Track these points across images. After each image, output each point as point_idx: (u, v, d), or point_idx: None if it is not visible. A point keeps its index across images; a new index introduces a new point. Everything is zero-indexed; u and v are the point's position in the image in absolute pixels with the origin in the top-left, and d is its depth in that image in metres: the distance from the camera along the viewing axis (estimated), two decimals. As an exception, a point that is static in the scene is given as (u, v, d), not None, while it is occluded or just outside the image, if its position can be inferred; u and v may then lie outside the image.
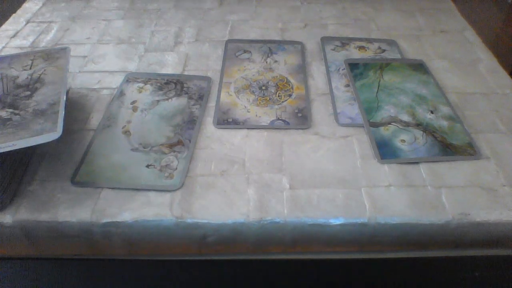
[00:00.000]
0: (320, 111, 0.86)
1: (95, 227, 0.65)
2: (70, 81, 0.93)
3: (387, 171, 0.73)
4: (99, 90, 0.91)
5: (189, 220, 0.66)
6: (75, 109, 0.86)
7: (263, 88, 0.92)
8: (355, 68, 0.95)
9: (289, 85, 0.93)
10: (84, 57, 1.02)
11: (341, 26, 1.14)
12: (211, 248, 0.69)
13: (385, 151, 0.76)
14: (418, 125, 0.81)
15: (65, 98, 0.70)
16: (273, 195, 0.69)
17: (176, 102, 0.87)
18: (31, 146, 0.63)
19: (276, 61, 1.00)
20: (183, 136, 0.79)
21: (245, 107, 0.87)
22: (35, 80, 0.76)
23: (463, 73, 0.96)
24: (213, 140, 0.79)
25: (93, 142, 0.78)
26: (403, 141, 0.78)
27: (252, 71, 0.97)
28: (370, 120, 0.82)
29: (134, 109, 0.85)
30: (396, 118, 0.83)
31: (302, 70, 0.97)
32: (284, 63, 0.99)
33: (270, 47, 1.05)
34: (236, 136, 0.80)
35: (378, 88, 0.90)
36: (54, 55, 0.83)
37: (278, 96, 0.90)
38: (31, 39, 1.08)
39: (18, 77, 0.78)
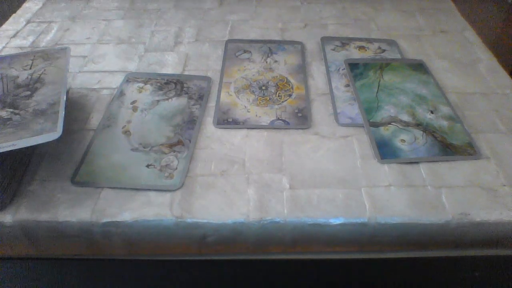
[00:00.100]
0: (320, 111, 0.86)
1: (95, 227, 0.65)
2: (70, 81, 0.93)
3: (387, 171, 0.73)
4: (99, 90, 0.91)
5: (189, 220, 0.66)
6: (75, 109, 0.86)
7: (263, 88, 0.92)
8: (355, 68, 0.95)
9: (289, 85, 0.93)
10: (84, 57, 1.02)
11: (341, 26, 1.14)
12: (211, 248, 0.69)
13: (385, 151, 0.76)
14: (418, 125, 0.81)
15: (65, 98, 0.70)
16: (273, 195, 0.69)
17: (176, 102, 0.87)
18: (31, 146, 0.63)
19: (276, 61, 1.00)
20: (183, 136, 0.79)
21: (245, 107, 0.87)
22: (35, 80, 0.76)
23: (463, 73, 0.96)
24: (213, 140, 0.79)
25: (93, 142, 0.78)
26: (403, 141, 0.78)
27: (252, 71, 0.97)
28: (370, 120, 0.82)
29: (134, 109, 0.85)
30: (396, 118, 0.83)
31: (302, 70, 0.97)
32: (284, 63, 0.99)
33: (270, 47, 1.05)
34: (236, 136, 0.80)
35: (378, 88, 0.90)
36: (54, 55, 0.83)
37: (278, 96, 0.90)
38: (31, 39, 1.08)
39: (18, 77, 0.78)
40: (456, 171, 0.73)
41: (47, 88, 0.74)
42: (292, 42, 1.07)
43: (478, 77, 0.95)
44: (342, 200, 0.68)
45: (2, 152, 0.60)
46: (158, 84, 0.92)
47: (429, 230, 0.66)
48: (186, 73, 0.97)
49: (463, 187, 0.70)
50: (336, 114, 0.85)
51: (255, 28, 1.13)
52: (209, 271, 0.74)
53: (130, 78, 0.94)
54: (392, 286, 0.77)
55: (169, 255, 0.70)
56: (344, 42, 1.06)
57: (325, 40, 1.07)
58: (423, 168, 0.73)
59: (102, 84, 0.93)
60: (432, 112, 0.84)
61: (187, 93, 0.90)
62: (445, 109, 0.85)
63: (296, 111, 0.86)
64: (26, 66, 0.81)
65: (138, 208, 0.67)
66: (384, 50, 1.03)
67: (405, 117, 0.83)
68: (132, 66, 0.98)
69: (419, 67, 0.96)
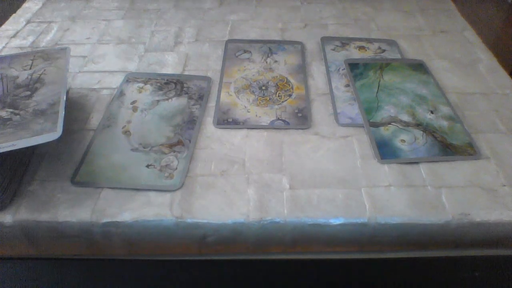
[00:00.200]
0: (320, 111, 0.86)
1: (95, 227, 0.65)
2: (70, 81, 0.93)
3: (387, 171, 0.73)
4: (99, 90, 0.91)
5: (189, 220, 0.66)
6: (75, 109, 0.86)
7: (263, 88, 0.92)
8: (355, 68, 0.95)
9: (289, 85, 0.93)
10: (84, 57, 1.02)
11: (341, 26, 1.14)
12: (211, 248, 0.69)
13: (385, 151, 0.76)
14: (418, 125, 0.81)
15: (65, 98, 0.70)
16: (273, 195, 0.69)
17: (176, 102, 0.87)
18: (31, 146, 0.63)
19: (276, 61, 1.00)
20: (183, 136, 0.79)
21: (245, 107, 0.87)
22: (35, 80, 0.76)
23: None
24: (213, 140, 0.79)
25: (93, 142, 0.78)
26: (403, 141, 0.78)
27: (252, 71, 0.97)
28: (370, 120, 0.82)
29: (134, 109, 0.85)
30: (396, 118, 0.83)
31: (302, 70, 0.97)
32: (284, 63, 0.99)
33: (270, 47, 1.05)
34: (236, 136, 0.80)
35: (378, 88, 0.90)
36: (54, 55, 0.83)
37: (278, 96, 0.90)
38: (31, 39, 1.08)
39: (18, 77, 0.78)
40: (456, 171, 0.73)
41: (47, 88, 0.74)
42: (292, 42, 1.07)
43: (478, 77, 0.95)
44: (342, 200, 0.68)
45: (2, 152, 0.60)
46: (158, 84, 0.92)
47: (429, 230, 0.66)
48: (186, 73, 0.97)
49: (463, 187, 0.70)
50: (336, 114, 0.85)
51: (255, 28, 1.13)
52: (209, 271, 0.74)
53: (130, 78, 0.94)
54: (392, 286, 0.77)
55: (169, 255, 0.70)
56: (344, 42, 1.06)
57: (325, 40, 1.07)
58: (423, 168, 0.73)
59: (102, 84, 0.93)
60: (432, 112, 0.84)
61: (187, 93, 0.90)
62: (445, 109, 0.85)
63: (296, 111, 0.86)
64: (26, 66, 0.81)
65: (138, 208, 0.67)
66: (384, 50, 1.03)
67: (405, 117, 0.83)
68: (132, 66, 0.98)
69: (419, 67, 0.96)
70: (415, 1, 1.26)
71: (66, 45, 1.05)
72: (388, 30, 1.12)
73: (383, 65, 0.96)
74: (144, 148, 0.77)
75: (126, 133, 0.80)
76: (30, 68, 0.80)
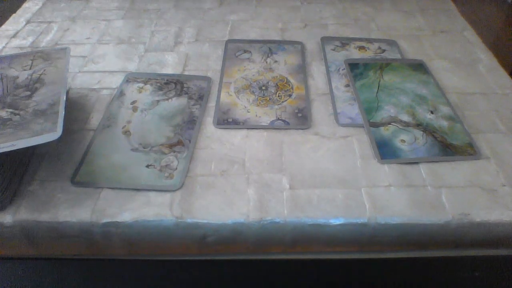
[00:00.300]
0: (320, 111, 0.86)
1: (95, 227, 0.65)
2: (70, 81, 0.93)
3: (387, 171, 0.73)
4: (99, 90, 0.91)
5: (189, 220, 0.66)
6: (75, 109, 0.86)
7: (263, 88, 0.92)
8: (355, 68, 0.95)
9: (289, 85, 0.93)
10: (84, 57, 1.02)
11: (341, 26, 1.14)
12: (211, 248, 0.69)
13: (385, 151, 0.76)
14: (418, 125, 0.81)
15: (65, 98, 0.70)
16: (273, 195, 0.69)
17: (176, 102, 0.87)
18: (31, 146, 0.63)
19: (276, 61, 1.00)
20: (183, 136, 0.79)
21: (245, 107, 0.87)
22: (35, 80, 0.76)
23: (463, 73, 0.96)
24: (213, 140, 0.79)
25: (93, 142, 0.78)
26: (403, 141, 0.78)
27: (252, 71, 0.97)
28: (370, 120, 0.82)
29: (134, 109, 0.85)
30: (396, 118, 0.83)
31: (302, 70, 0.97)
32: (284, 63, 0.99)
33: (270, 47, 1.05)
34: (236, 136, 0.80)
35: (378, 88, 0.90)
36: (54, 55, 0.83)
37: (278, 96, 0.90)
38: (31, 39, 1.08)
39: (18, 77, 0.78)
40: (456, 171, 0.73)
41: (47, 88, 0.74)
42: (292, 42, 1.07)
43: (478, 77, 0.95)
44: (342, 200, 0.68)
45: (2, 153, 0.60)
46: (158, 84, 0.92)
47: (429, 230, 0.66)
48: (186, 73, 0.97)
49: (463, 187, 0.70)
50: (336, 114, 0.85)
51: (255, 28, 1.13)
52: (209, 271, 0.74)
53: (130, 78, 0.94)
54: (392, 286, 0.77)
55: (169, 255, 0.70)
56: (344, 42, 1.06)
57: (325, 40, 1.07)
58: (423, 168, 0.73)
59: (102, 84, 0.93)
60: (432, 112, 0.84)
61: (187, 93, 0.90)
62: (445, 109, 0.85)
63: (296, 111, 0.86)
64: (26, 66, 0.81)
65: (138, 208, 0.67)
66: (384, 50, 1.03)
67: (405, 117, 0.83)
68: (132, 66, 0.98)
69: (419, 67, 0.96)
70: (415, 1, 1.26)
71: (66, 45, 1.05)
72: (388, 30, 1.12)
73: (383, 65, 0.96)
74: (144, 148, 0.77)
75: (126, 133, 0.80)
76: (30, 68, 0.80)
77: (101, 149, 0.77)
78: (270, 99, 0.89)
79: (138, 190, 0.70)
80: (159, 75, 0.95)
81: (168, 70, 0.97)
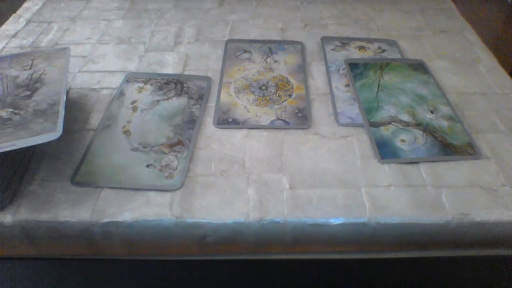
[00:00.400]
0: (320, 111, 0.86)
1: (95, 227, 0.65)
2: (70, 81, 0.93)
3: (387, 171, 0.73)
4: (99, 90, 0.91)
5: (189, 220, 0.66)
6: (75, 109, 0.86)
7: (263, 88, 0.92)
8: (355, 68, 0.95)
9: (289, 85, 0.93)
10: (84, 57, 1.02)
11: (341, 26, 1.14)
12: (211, 248, 0.69)
13: (385, 151, 0.76)
14: (418, 125, 0.81)
15: (65, 98, 0.71)
16: (273, 195, 0.69)
17: (176, 102, 0.87)
18: (31, 146, 0.63)
19: (276, 61, 1.00)
20: (183, 136, 0.79)
21: (245, 107, 0.87)
22: (35, 80, 0.76)
23: (463, 73, 0.96)
24: (213, 140, 0.79)
25: (93, 142, 0.78)
26: (403, 141, 0.78)
27: (252, 71, 0.97)
28: (370, 120, 0.82)
29: (134, 109, 0.86)
30: (396, 118, 0.83)
31: (302, 70, 0.97)
32: (284, 63, 0.99)
33: (270, 47, 1.05)
34: (236, 136, 0.80)
35: (378, 88, 0.90)
36: (54, 55, 0.83)
37: (278, 96, 0.90)
38: (31, 39, 1.08)
39: (18, 77, 0.78)
40: (456, 171, 0.73)
41: (47, 88, 0.74)
42: (292, 42, 1.07)
43: (478, 77, 0.95)
44: (342, 200, 0.68)
45: (2, 152, 0.60)
46: (158, 84, 0.92)
47: (429, 230, 0.66)
48: (186, 73, 0.97)
49: (463, 187, 0.70)
50: (336, 114, 0.85)
51: (255, 28, 1.13)
52: (209, 271, 0.74)
53: (130, 78, 0.94)
54: (392, 286, 0.77)
55: (169, 255, 0.70)
56: (344, 42, 1.06)
57: (325, 40, 1.07)
58: (423, 168, 0.73)
59: (102, 84, 0.93)
60: (432, 112, 0.84)
61: (187, 93, 0.90)
62: (445, 109, 0.85)
63: (296, 111, 0.86)
64: (26, 66, 0.81)
65: (138, 208, 0.67)
66: (384, 50, 1.03)
67: (405, 117, 0.83)
68: (132, 66, 0.98)
69: (419, 67, 0.96)
70: (415, 1, 1.26)
71: (66, 45, 1.05)
72: (388, 30, 1.12)
73: (383, 65, 0.96)
74: (144, 148, 0.77)
75: (126, 133, 0.80)
76: (30, 68, 0.80)
77: (101, 149, 0.77)
78: (270, 99, 0.89)
79: (138, 190, 0.70)
80: (159, 75, 0.95)
81: (168, 70, 0.97)
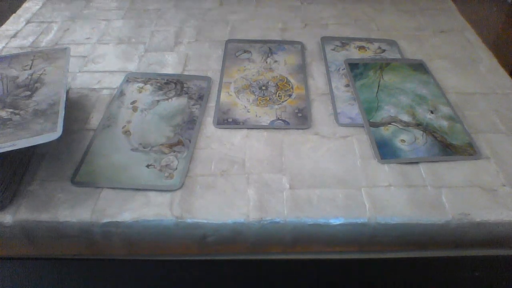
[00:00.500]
0: (320, 111, 0.86)
1: (95, 227, 0.65)
2: (70, 81, 0.93)
3: (387, 171, 0.73)
4: (99, 90, 0.91)
5: (189, 220, 0.66)
6: (75, 109, 0.86)
7: (263, 88, 0.92)
8: (355, 68, 0.95)
9: (289, 85, 0.93)
10: (84, 57, 1.02)
11: (341, 26, 1.14)
12: (211, 248, 0.69)
13: (385, 151, 0.76)
14: (418, 125, 0.81)
15: (65, 98, 0.71)
16: (273, 195, 0.69)
17: (176, 102, 0.87)
18: (31, 146, 0.63)
19: (276, 61, 1.00)
20: (183, 136, 0.79)
21: (245, 107, 0.87)
22: (35, 80, 0.76)
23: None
24: (213, 140, 0.79)
25: (93, 142, 0.78)
26: (403, 141, 0.78)
27: (252, 71, 0.97)
28: (370, 120, 0.82)
29: (134, 109, 0.86)
30: (396, 118, 0.83)
31: (302, 70, 0.97)
32: (284, 63, 0.99)
33: (270, 47, 1.05)
34: (236, 136, 0.80)
35: (378, 88, 0.90)
36: (54, 55, 0.83)
37: (278, 96, 0.90)
38: (31, 39, 1.08)
39: (18, 77, 0.78)
40: (456, 171, 0.73)
41: (47, 88, 0.74)
42: (292, 42, 1.07)
43: (478, 77, 0.95)
44: (342, 200, 0.68)
45: (2, 152, 0.60)
46: (158, 84, 0.92)
47: (429, 230, 0.66)
48: (186, 73, 0.97)
49: (463, 187, 0.70)
50: (336, 114, 0.85)
51: (255, 28, 1.13)
52: (209, 271, 0.74)
53: (130, 78, 0.94)
54: (392, 286, 0.77)
55: (169, 255, 0.70)
56: (344, 42, 1.06)
57: (325, 40, 1.07)
58: (423, 168, 0.73)
59: (102, 84, 0.93)
60: (432, 112, 0.84)
61: (187, 93, 0.90)
62: (445, 109, 0.85)
63: (296, 111, 0.86)
64: (26, 66, 0.81)
65: (138, 208, 0.67)
66: (384, 50, 1.03)
67: (405, 117, 0.83)
68: (132, 66, 0.98)
69: (419, 67, 0.96)
70: (415, 1, 1.26)
71: (66, 45, 1.05)
72: (388, 30, 1.12)
73: (383, 65, 0.96)
74: (144, 148, 0.77)
75: (126, 133, 0.80)
76: (30, 68, 0.80)
77: (101, 149, 0.77)
78: (270, 99, 0.89)
79: (138, 190, 0.70)
80: (159, 75, 0.95)
81: (168, 70, 0.97)
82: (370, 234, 0.67)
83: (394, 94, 0.88)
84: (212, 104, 0.88)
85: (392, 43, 1.06)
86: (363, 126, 0.81)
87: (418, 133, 0.79)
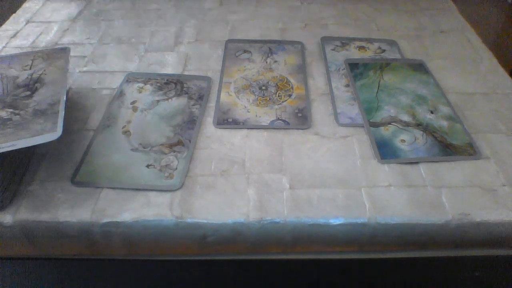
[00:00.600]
0: (320, 111, 0.86)
1: (95, 227, 0.65)
2: (70, 81, 0.93)
3: (387, 171, 0.73)
4: (99, 90, 0.91)
5: (189, 220, 0.66)
6: (75, 109, 0.86)
7: (263, 88, 0.92)
8: (355, 68, 0.95)
9: (289, 85, 0.93)
10: (84, 57, 1.02)
11: (341, 26, 1.14)
12: (211, 248, 0.69)
13: (385, 151, 0.76)
14: (418, 125, 0.81)
15: (65, 98, 0.71)
16: (273, 195, 0.69)
17: (176, 102, 0.87)
18: (31, 146, 0.63)
19: (276, 61, 1.00)
20: (183, 136, 0.79)
21: (245, 107, 0.87)
22: (35, 80, 0.76)
23: (463, 73, 0.96)
24: (213, 140, 0.79)
25: (93, 142, 0.78)
26: (403, 141, 0.78)
27: (252, 71, 0.97)
28: (370, 120, 0.82)
29: (134, 109, 0.85)
30: (396, 118, 0.83)
31: (302, 70, 0.97)
32: (284, 63, 0.99)
33: (270, 47, 1.05)
34: (236, 136, 0.80)
35: (378, 88, 0.90)
36: (54, 55, 0.83)
37: (278, 96, 0.90)
38: (31, 39, 1.08)
39: (18, 77, 0.78)
40: (456, 171, 0.73)
41: (47, 88, 0.74)
42: (292, 42, 1.07)
43: (478, 77, 0.95)
44: (342, 200, 0.68)
45: (2, 152, 0.60)
46: (158, 84, 0.92)
47: (429, 230, 0.66)
48: (186, 73, 0.97)
49: (463, 187, 0.70)
50: (336, 114, 0.85)
51: (255, 28, 1.13)
52: (209, 271, 0.74)
53: (130, 78, 0.94)
54: (392, 286, 0.77)
55: (169, 255, 0.70)
56: (344, 42, 1.06)
57: (325, 40, 1.07)
58: (423, 168, 0.73)
59: (102, 84, 0.93)
60: (432, 112, 0.84)
61: (187, 93, 0.90)
62: (445, 109, 0.85)
63: (296, 111, 0.86)
64: (26, 66, 0.81)
65: (138, 208, 0.67)
66: (384, 50, 1.03)
67: (405, 117, 0.83)
68: (132, 66, 0.98)
69: (419, 67, 0.96)
70: (415, 1, 1.26)
71: (66, 45, 1.05)
72: (388, 30, 1.12)
73: (383, 65, 0.96)
74: (144, 148, 0.77)
75: (126, 133, 0.80)
76: (30, 68, 0.80)
77: (101, 149, 0.77)
78: (270, 99, 0.89)
79: (138, 190, 0.70)
80: (159, 75, 0.95)
81: (168, 70, 0.97)
82: (370, 234, 0.67)
83: (394, 94, 0.88)
84: (212, 104, 0.88)
85: (392, 43, 1.06)
86: (363, 126, 0.81)
87: (418, 133, 0.79)
